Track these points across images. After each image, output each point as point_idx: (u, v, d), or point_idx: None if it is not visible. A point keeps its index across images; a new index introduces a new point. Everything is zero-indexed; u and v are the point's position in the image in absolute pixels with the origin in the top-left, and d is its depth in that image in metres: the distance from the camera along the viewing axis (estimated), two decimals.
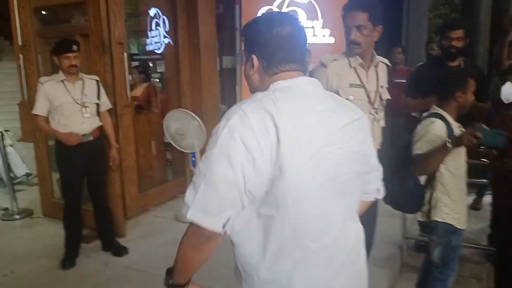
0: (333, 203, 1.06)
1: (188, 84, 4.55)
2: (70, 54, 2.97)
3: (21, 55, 3.78)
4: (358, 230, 1.17)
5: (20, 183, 5.07)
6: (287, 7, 4.72)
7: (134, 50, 7.78)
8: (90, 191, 3.32)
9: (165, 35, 4.70)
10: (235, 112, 1.00)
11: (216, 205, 0.97)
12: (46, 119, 3.09)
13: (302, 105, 1.03)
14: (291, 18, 1.10)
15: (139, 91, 5.03)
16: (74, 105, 3.03)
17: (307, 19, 4.74)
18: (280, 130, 0.95)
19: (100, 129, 3.23)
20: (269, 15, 1.12)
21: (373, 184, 1.23)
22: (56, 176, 4.25)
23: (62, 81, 3.03)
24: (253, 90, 1.13)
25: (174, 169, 4.99)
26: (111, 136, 3.27)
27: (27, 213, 4.21)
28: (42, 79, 3.14)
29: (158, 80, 7.05)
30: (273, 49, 1.07)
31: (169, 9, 4.52)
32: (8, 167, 4.55)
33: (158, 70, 7.45)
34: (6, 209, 4.29)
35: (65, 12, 7.40)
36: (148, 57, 6.87)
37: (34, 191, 4.47)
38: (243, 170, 0.94)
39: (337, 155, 1.04)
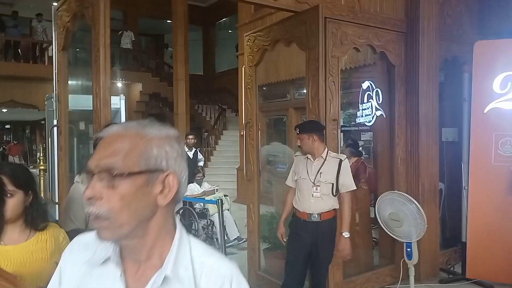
0: None
1: (403, 160, 4.10)
2: (299, 135, 3.03)
3: (243, 131, 4.10)
4: None
5: (231, 246, 5.41)
6: None
7: (341, 121, 7.83)
8: (310, 272, 3.15)
9: (377, 107, 4.46)
10: None
11: None
12: (294, 190, 3.15)
13: None
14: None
15: None
16: (307, 181, 3.00)
17: None
18: None
19: (335, 212, 3.04)
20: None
21: None
22: (263, 246, 4.35)
23: (306, 157, 3.08)
24: None
25: (380, 252, 4.48)
26: (343, 222, 2.98)
27: None
28: (296, 153, 3.24)
29: (364, 152, 6.80)
30: None
31: (385, 81, 4.30)
32: (224, 230, 4.92)
33: (363, 142, 7.24)
34: None
35: (282, 87, 8.15)
36: (356, 128, 6.75)
37: (242, 257, 4.64)
38: None
39: None
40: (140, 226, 0.80)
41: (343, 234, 2.96)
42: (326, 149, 3.06)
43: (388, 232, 3.44)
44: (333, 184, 2.97)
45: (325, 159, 3.01)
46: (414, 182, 4.02)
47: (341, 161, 3.02)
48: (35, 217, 1.51)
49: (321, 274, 3.07)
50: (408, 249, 3.36)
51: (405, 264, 3.47)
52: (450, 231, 4.84)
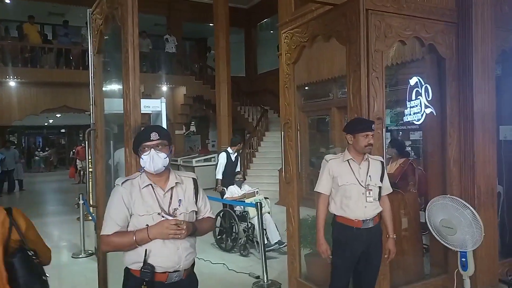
0: None
1: (456, 161, 3.78)
2: (369, 133, 2.76)
3: (282, 132, 3.96)
4: None
5: (272, 250, 5.27)
6: None
7: (387, 120, 7.47)
8: (357, 280, 2.96)
9: (427, 104, 4.14)
10: None
11: None
12: (328, 198, 2.92)
13: None
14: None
15: (393, 167, 4.55)
16: (358, 187, 2.78)
17: None
18: None
19: (380, 215, 2.91)
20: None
21: None
22: (305, 251, 4.17)
23: (347, 160, 2.84)
24: None
25: (432, 260, 4.16)
26: (389, 224, 2.92)
27: (275, 286, 4.23)
28: (328, 157, 2.97)
29: (413, 152, 6.43)
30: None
31: (435, 76, 3.99)
32: (264, 234, 4.79)
33: (412, 141, 6.85)
34: (258, 277, 4.45)
35: (324, 86, 7.92)
36: (403, 128, 6.39)
37: (283, 261, 4.49)
38: None
39: None
40: None
41: (391, 236, 2.89)
42: None
43: (440, 241, 3.17)
44: (379, 187, 2.84)
45: (369, 161, 2.84)
46: (469, 185, 3.68)
47: (382, 163, 2.89)
48: None
49: (373, 279, 2.90)
50: (463, 259, 3.07)
51: (459, 275, 3.18)
52: (510, 238, 4.43)
